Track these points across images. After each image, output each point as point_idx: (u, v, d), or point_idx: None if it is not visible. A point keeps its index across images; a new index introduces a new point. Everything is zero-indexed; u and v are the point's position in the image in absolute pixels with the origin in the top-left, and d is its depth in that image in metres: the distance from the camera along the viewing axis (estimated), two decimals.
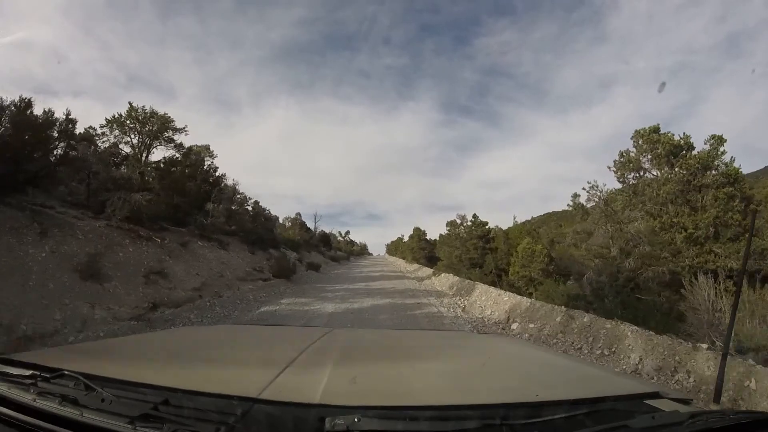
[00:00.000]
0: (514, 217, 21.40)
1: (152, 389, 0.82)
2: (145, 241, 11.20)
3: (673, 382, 4.75)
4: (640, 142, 11.17)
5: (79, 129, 13.50)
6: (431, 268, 23.00)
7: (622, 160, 10.90)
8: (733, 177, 9.93)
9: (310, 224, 40.40)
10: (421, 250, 33.71)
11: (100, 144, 13.65)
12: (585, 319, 6.72)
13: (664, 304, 6.83)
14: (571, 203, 10.41)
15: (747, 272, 7.88)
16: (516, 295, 9.45)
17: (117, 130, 13.13)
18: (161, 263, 9.86)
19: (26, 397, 0.80)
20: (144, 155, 13.19)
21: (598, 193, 10.06)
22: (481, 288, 11.50)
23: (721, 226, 9.38)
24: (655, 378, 4.88)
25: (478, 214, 20.64)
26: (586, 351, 6.11)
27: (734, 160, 10.22)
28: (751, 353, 4.89)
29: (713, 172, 10.27)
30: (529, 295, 14.08)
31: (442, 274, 17.68)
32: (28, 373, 0.90)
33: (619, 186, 11.62)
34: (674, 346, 5.16)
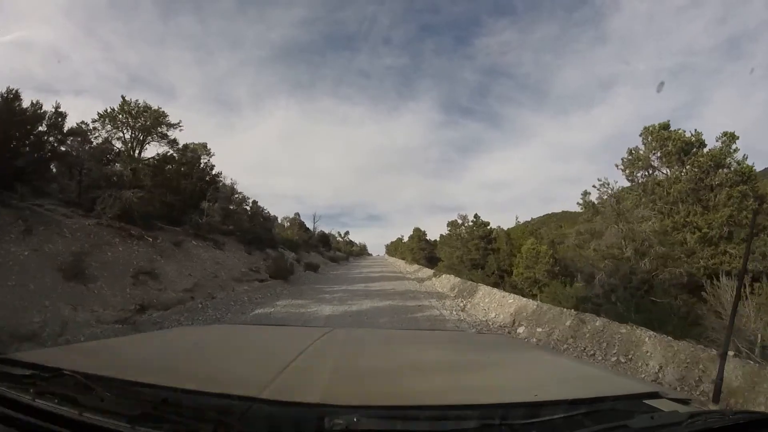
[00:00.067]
0: (517, 218, 21.04)
1: (152, 389, 0.81)
2: (136, 240, 10.80)
3: (698, 393, 4.37)
4: (649, 139, 10.79)
5: (72, 124, 13.17)
6: (432, 269, 22.61)
7: (630, 157, 10.53)
8: (747, 175, 9.56)
9: (309, 225, 40.04)
10: (421, 250, 33.34)
11: (93, 140, 13.29)
12: (597, 324, 6.33)
13: (681, 308, 6.45)
14: (581, 201, 10.03)
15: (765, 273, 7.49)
16: (521, 297, 9.07)
17: (109, 125, 12.73)
18: (151, 263, 9.46)
19: (26, 397, 0.78)
20: (137, 151, 12.78)
21: (609, 191, 9.68)
22: (483, 289, 11.11)
23: (735, 226, 9.01)
24: (678, 388, 4.50)
25: (478, 215, 20.29)
26: (600, 358, 5.71)
27: (746, 157, 9.85)
28: None
29: (725, 170, 9.90)
30: (533, 297, 13.70)
31: (443, 275, 17.29)
32: (27, 372, 0.90)
33: (627, 184, 11.27)
34: (697, 353, 4.77)
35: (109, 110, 12.82)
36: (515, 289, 13.97)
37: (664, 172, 10.64)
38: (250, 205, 21.74)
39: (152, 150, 13.39)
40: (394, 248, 59.04)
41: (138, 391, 0.81)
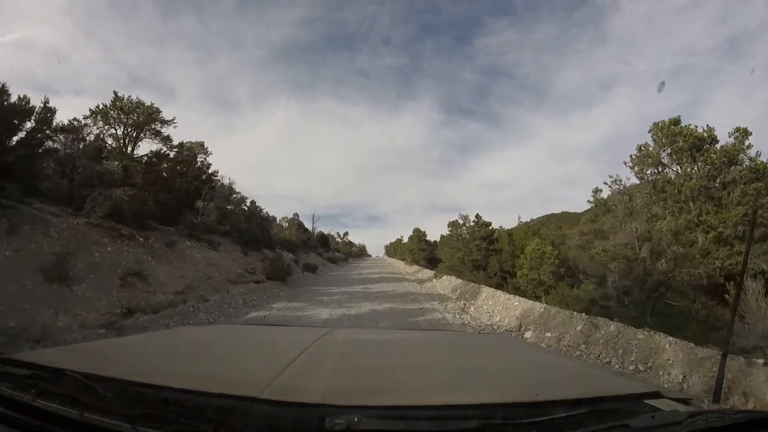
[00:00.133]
0: (519, 217, 20.64)
1: (152, 389, 0.81)
2: (126, 240, 10.40)
3: (727, 407, 3.98)
4: (659, 135, 10.41)
5: (64, 121, 12.79)
6: (432, 270, 22.25)
7: (640, 154, 10.15)
8: (761, 172, 9.19)
9: (308, 225, 39.63)
10: (421, 251, 32.95)
11: (86, 137, 12.90)
12: (611, 329, 5.94)
13: (700, 311, 6.07)
14: (591, 198, 9.63)
15: None
16: (527, 299, 8.68)
17: (101, 122, 12.34)
18: (141, 264, 9.06)
19: (26, 397, 0.78)
20: (130, 148, 12.39)
21: (621, 188, 9.28)
22: (487, 291, 10.73)
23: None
24: (706, 401, 4.12)
25: (480, 215, 19.90)
26: (617, 365, 5.33)
27: (760, 154, 9.49)
28: None
29: (739, 167, 9.54)
30: (536, 298, 13.33)
31: (444, 277, 16.92)
32: (28, 373, 0.90)
33: (635, 182, 10.89)
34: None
35: (101, 106, 12.44)
36: (518, 291, 13.58)
37: (675, 169, 10.26)
38: (248, 205, 21.37)
39: (146, 148, 12.99)
40: (394, 249, 58.62)
41: (138, 391, 0.81)
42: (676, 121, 10.30)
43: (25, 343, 5.36)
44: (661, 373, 4.90)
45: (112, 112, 12.19)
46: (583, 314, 6.47)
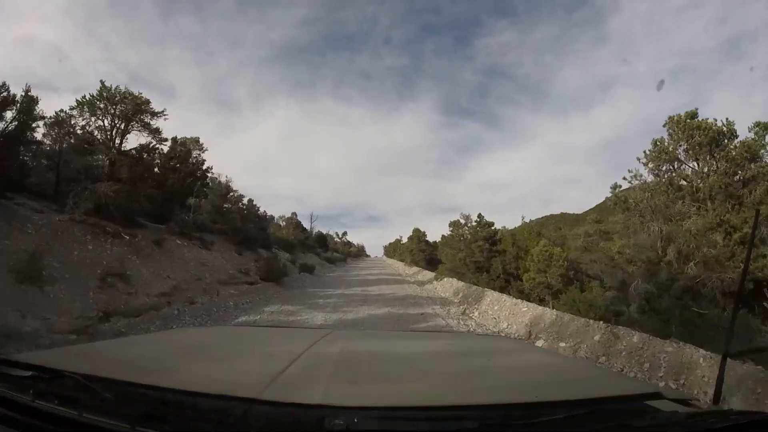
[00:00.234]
0: (523, 218, 20.05)
1: (152, 390, 0.81)
2: (111, 238, 9.84)
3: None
4: (675, 130, 9.85)
5: (50, 112, 12.21)
6: (432, 271, 21.70)
7: (655, 149, 9.58)
8: None
9: (307, 225, 39.05)
10: (420, 252, 32.39)
11: (74, 130, 12.32)
12: (634, 339, 5.36)
13: (731, 320, 5.50)
14: (611, 193, 9.02)
15: None
16: (536, 305, 8.11)
17: (87, 113, 11.75)
18: (124, 264, 8.48)
19: (26, 398, 0.78)
20: (117, 141, 11.80)
21: (642, 184, 8.68)
22: (491, 295, 10.15)
23: None
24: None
25: (482, 215, 19.31)
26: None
27: None
28: None
29: (759, 163, 8.98)
30: (540, 301, 12.76)
31: (445, 279, 16.35)
32: (27, 373, 0.89)
33: (645, 180, 10.32)
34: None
35: (88, 97, 11.86)
36: (522, 294, 13.01)
37: (692, 165, 9.69)
38: (246, 203, 20.80)
39: (136, 142, 12.40)
40: (393, 249, 58.02)
41: (138, 392, 0.81)
42: (692, 115, 9.74)
43: None
44: (696, 392, 4.31)
45: (98, 102, 11.60)
46: (601, 322, 5.91)
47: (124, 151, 11.76)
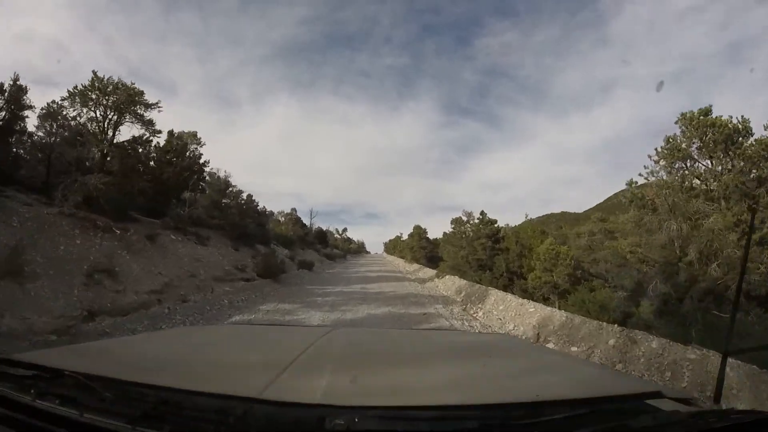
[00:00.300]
0: (526, 215, 19.68)
1: (152, 389, 0.80)
2: (101, 232, 9.46)
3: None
4: (687, 127, 9.47)
5: (41, 103, 11.82)
6: (432, 268, 21.38)
7: (668, 147, 9.21)
8: None
9: (307, 221, 38.64)
10: (421, 249, 32.05)
11: (67, 122, 11.91)
12: (653, 345, 5.01)
13: (755, 325, 5.16)
14: (627, 186, 8.61)
15: None
16: (544, 306, 7.77)
17: (79, 104, 11.34)
18: (113, 259, 8.11)
19: (27, 398, 0.78)
20: (110, 132, 11.39)
21: (660, 180, 8.30)
22: (495, 294, 9.81)
23: None
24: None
25: (485, 213, 18.94)
26: None
27: None
28: None
29: None
30: (544, 300, 12.45)
31: (447, 276, 16.03)
32: (28, 373, 0.89)
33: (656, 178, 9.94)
34: None
35: (80, 87, 11.44)
36: (525, 293, 12.69)
37: (705, 163, 9.33)
38: (245, 198, 20.38)
39: (128, 134, 11.99)
40: (393, 246, 57.71)
41: (138, 392, 0.80)
42: (706, 112, 9.36)
43: None
44: (724, 406, 3.97)
45: (90, 93, 11.18)
46: (615, 326, 5.57)
47: (117, 143, 11.36)
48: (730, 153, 8.89)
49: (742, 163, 8.70)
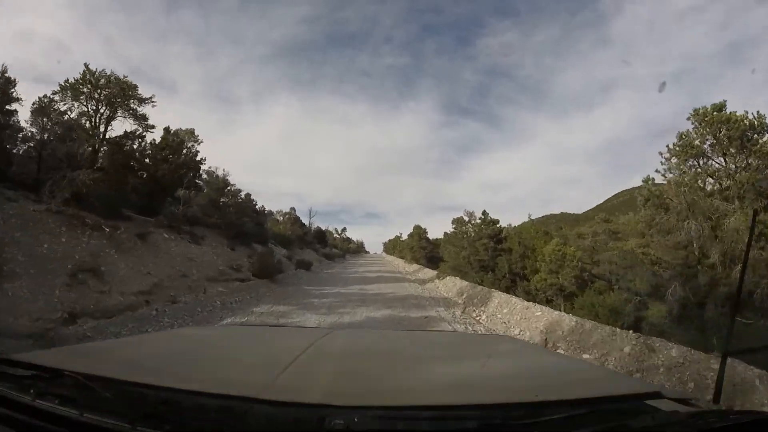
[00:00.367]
0: (529, 216, 19.32)
1: (152, 390, 0.80)
2: (90, 230, 9.10)
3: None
4: (700, 124, 9.11)
5: (33, 98, 11.50)
6: (433, 269, 21.03)
7: (680, 144, 8.85)
8: None
9: (306, 220, 38.26)
10: (421, 249, 31.67)
11: (60, 117, 11.57)
12: (673, 353, 4.65)
13: None
14: (644, 182, 8.22)
15: None
16: (552, 309, 7.41)
17: (70, 98, 11.00)
18: (99, 258, 7.76)
19: (26, 398, 0.77)
20: (102, 128, 11.05)
21: (677, 177, 7.93)
22: (499, 297, 9.45)
23: None
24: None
25: (487, 212, 18.58)
26: None
27: None
28: None
29: None
30: (547, 302, 12.09)
31: (447, 277, 15.68)
32: (28, 373, 0.89)
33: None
34: None
35: (71, 81, 11.10)
36: (528, 295, 12.33)
37: (719, 161, 8.96)
38: (243, 197, 20.03)
39: (121, 129, 11.63)
40: (392, 246, 57.31)
41: (138, 392, 0.80)
42: (719, 107, 9.00)
43: None
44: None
45: (82, 86, 10.84)
46: (631, 332, 5.22)
47: (109, 138, 11.01)
48: (745, 150, 8.52)
49: (758, 161, 8.33)
